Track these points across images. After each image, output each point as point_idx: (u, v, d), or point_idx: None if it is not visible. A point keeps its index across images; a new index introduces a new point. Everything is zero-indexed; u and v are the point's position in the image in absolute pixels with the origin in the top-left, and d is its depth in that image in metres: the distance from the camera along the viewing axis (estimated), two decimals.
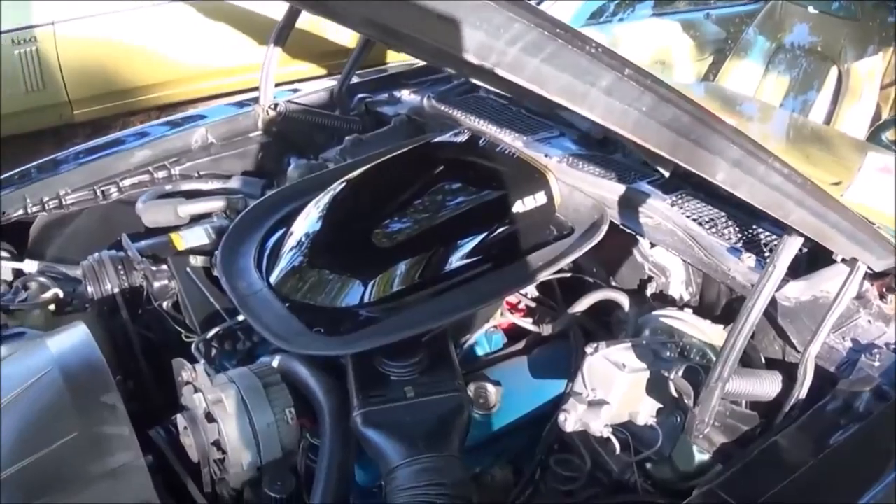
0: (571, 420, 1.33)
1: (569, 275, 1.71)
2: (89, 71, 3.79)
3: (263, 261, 1.59)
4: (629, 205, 1.61)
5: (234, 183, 2.15)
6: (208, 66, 4.09)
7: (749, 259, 1.44)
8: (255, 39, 3.92)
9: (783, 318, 1.39)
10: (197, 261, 1.75)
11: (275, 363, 1.44)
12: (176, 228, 1.90)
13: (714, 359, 1.33)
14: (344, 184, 1.66)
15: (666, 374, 1.31)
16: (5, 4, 3.47)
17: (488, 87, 2.07)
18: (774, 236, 1.52)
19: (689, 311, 1.53)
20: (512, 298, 1.75)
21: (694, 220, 1.55)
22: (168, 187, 2.12)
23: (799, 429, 1.25)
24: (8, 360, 1.36)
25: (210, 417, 1.32)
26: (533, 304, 1.76)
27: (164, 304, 1.73)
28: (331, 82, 2.51)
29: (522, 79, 0.89)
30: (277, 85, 2.36)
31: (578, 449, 1.43)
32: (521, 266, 1.54)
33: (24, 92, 3.65)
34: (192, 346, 1.55)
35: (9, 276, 1.84)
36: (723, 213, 1.58)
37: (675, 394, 1.33)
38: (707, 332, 1.44)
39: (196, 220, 1.98)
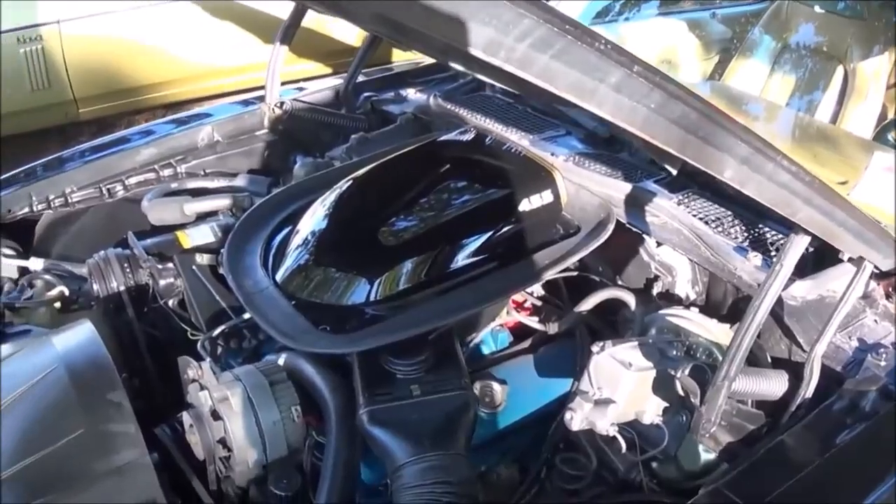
0: (577, 419, 1.33)
1: (575, 273, 1.71)
2: (95, 69, 3.79)
3: (269, 259, 1.59)
4: (635, 203, 1.61)
5: (239, 181, 2.15)
6: (214, 65, 4.09)
7: (755, 258, 1.44)
8: (260, 38, 3.91)
9: (789, 317, 1.39)
10: (203, 259, 1.74)
11: (281, 361, 1.44)
12: (182, 226, 1.90)
13: (720, 358, 1.33)
14: (350, 182, 1.66)
15: (672, 373, 1.31)
16: (11, 3, 3.47)
17: (496, 83, 2.07)
18: (781, 235, 1.52)
19: (695, 309, 1.53)
20: (518, 297, 1.75)
21: (700, 218, 1.55)
22: (174, 185, 2.12)
23: (805, 428, 1.25)
24: (13, 358, 1.36)
25: (216, 415, 1.31)
26: (539, 303, 1.76)
27: (170, 302, 1.73)
28: (337, 81, 2.52)
29: (531, 75, 0.89)
30: (283, 83, 2.36)
31: (584, 448, 1.43)
32: (527, 264, 1.54)
33: (30, 90, 3.64)
34: (198, 344, 1.55)
35: (14, 274, 1.85)
36: (729, 212, 1.58)
37: (681, 393, 1.33)
38: (713, 331, 1.44)
39: (202, 218, 1.98)
